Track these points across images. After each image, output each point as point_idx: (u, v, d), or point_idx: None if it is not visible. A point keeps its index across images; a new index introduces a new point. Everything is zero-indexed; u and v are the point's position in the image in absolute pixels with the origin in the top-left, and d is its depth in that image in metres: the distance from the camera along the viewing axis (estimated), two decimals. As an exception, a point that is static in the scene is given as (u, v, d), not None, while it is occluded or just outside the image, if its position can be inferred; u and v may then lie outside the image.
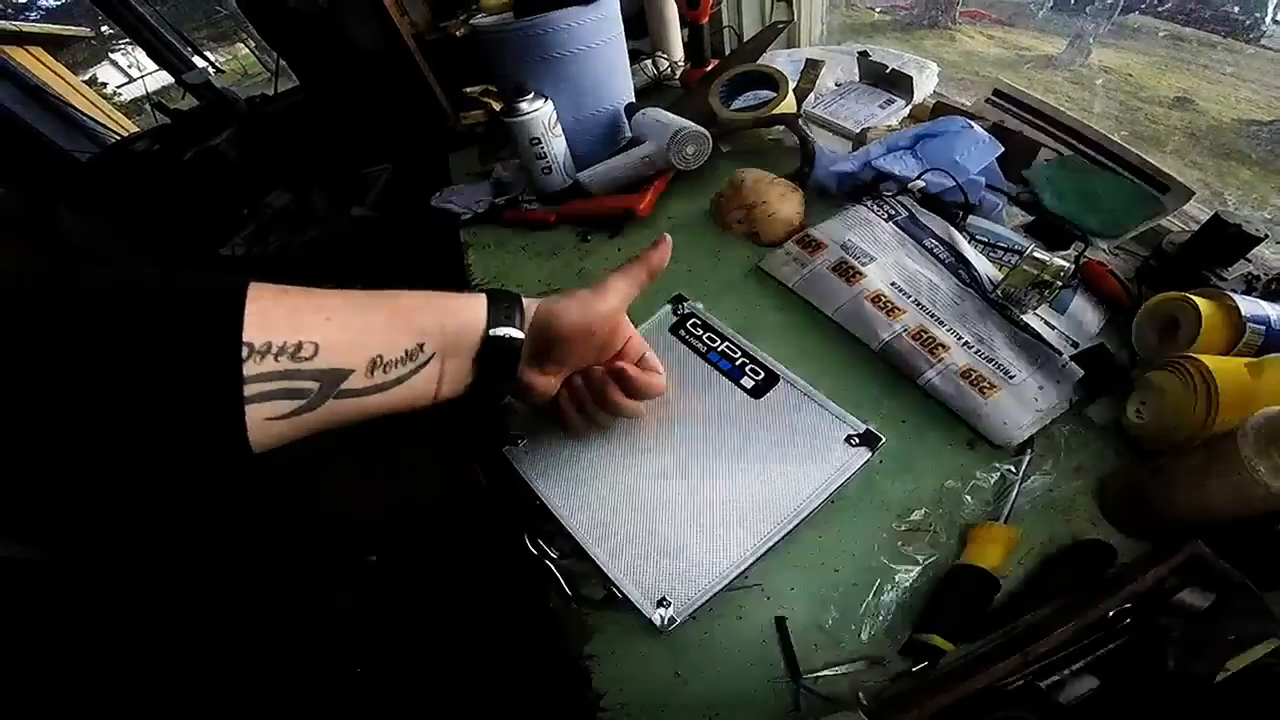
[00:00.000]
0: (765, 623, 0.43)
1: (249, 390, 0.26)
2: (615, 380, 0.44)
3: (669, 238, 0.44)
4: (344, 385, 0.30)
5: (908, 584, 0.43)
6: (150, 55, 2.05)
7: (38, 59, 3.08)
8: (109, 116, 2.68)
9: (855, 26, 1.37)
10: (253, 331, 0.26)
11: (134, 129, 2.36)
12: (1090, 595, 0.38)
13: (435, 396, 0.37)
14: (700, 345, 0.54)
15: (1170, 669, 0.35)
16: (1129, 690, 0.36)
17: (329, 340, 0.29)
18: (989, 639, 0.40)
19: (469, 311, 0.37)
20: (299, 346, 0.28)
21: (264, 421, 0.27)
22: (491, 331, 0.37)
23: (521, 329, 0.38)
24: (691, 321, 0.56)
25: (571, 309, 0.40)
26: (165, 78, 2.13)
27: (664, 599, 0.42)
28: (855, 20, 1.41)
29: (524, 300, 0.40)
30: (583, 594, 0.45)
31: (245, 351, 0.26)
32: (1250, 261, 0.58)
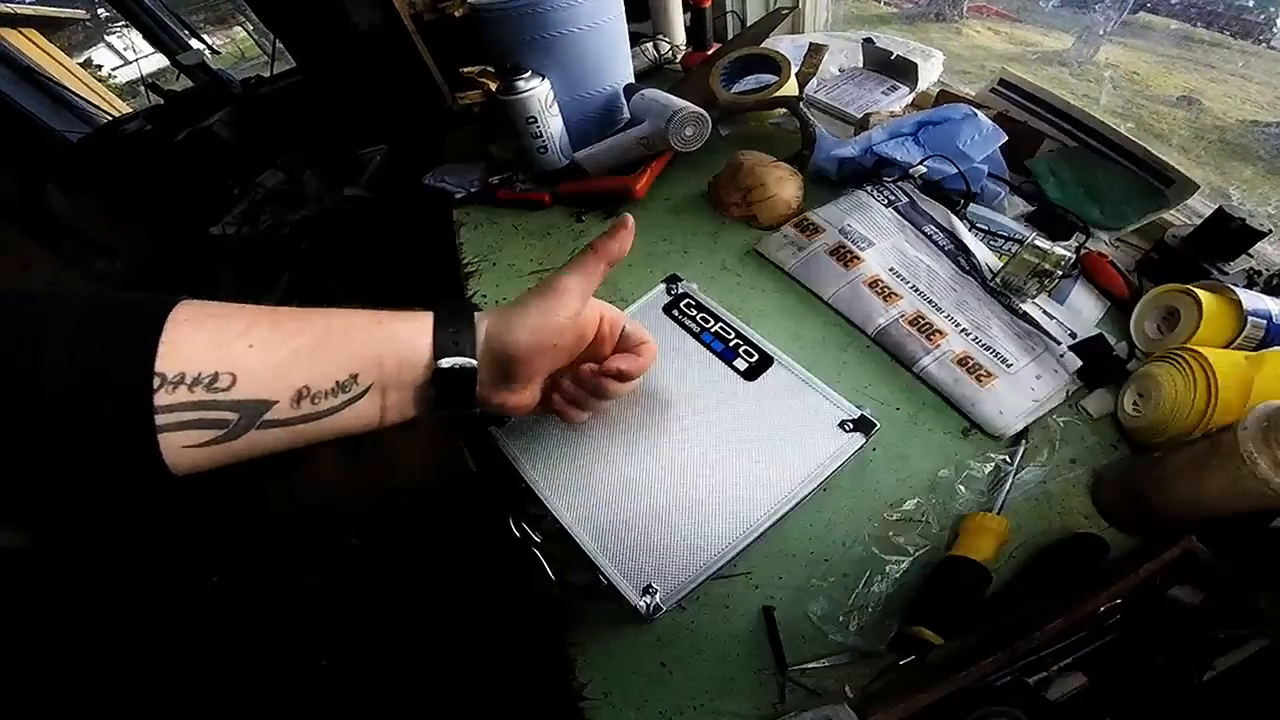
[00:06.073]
0: (753, 612, 0.42)
1: (161, 420, 0.25)
2: (611, 377, 0.41)
3: (630, 220, 0.38)
4: (267, 416, 0.29)
5: (898, 575, 0.42)
6: (146, 38, 2.03)
7: (31, 40, 3.04)
8: (102, 98, 2.65)
9: (861, 17, 1.36)
10: (166, 361, 0.26)
11: (128, 110, 2.33)
12: (1081, 590, 0.38)
13: (381, 423, 0.34)
14: (694, 325, 0.53)
15: (1160, 667, 0.34)
16: (1118, 688, 0.36)
17: (248, 370, 0.28)
18: (978, 633, 0.39)
19: (410, 339, 0.33)
20: (215, 377, 0.27)
21: (182, 449, 0.27)
22: (440, 363, 0.33)
23: (474, 355, 0.35)
24: (685, 301, 0.55)
25: (525, 326, 0.36)
26: (161, 61, 2.10)
27: (650, 586, 0.41)
28: (861, 11, 1.39)
29: (475, 316, 0.36)
30: (567, 580, 0.44)
31: (157, 382, 0.25)
32: (1252, 257, 0.57)
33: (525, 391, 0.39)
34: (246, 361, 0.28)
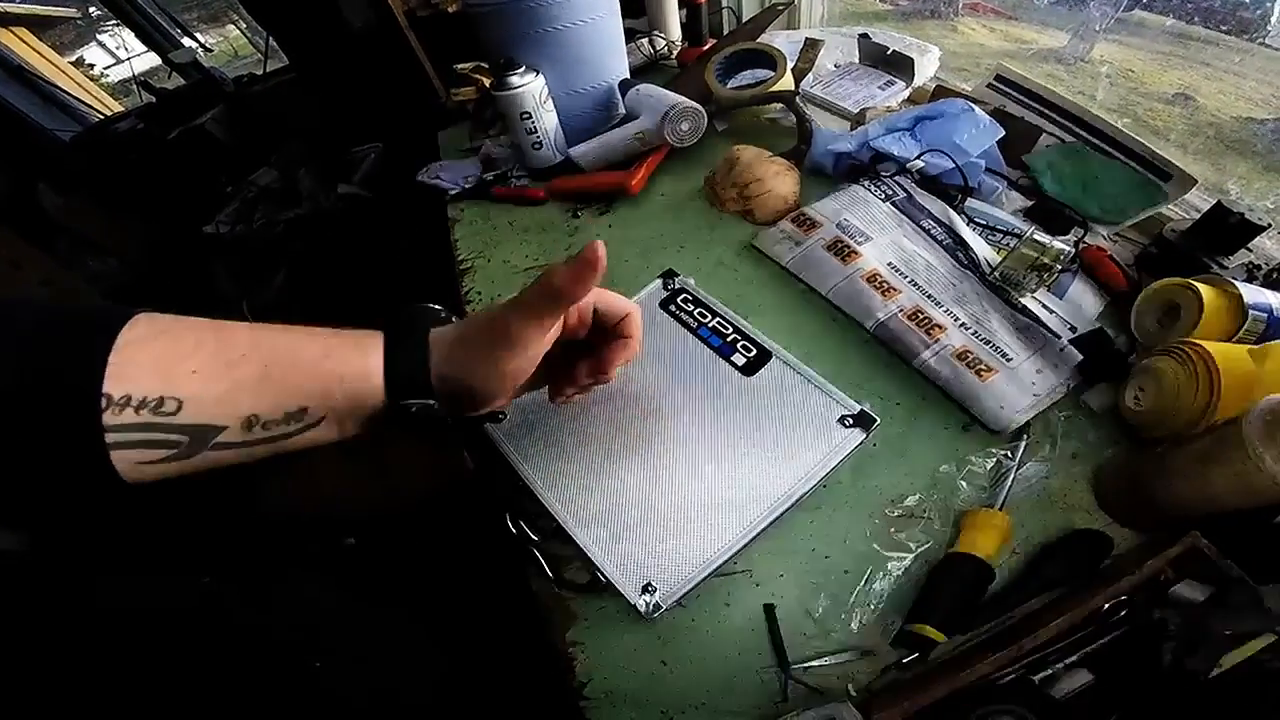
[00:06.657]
0: (754, 610, 0.41)
1: (111, 438, 0.25)
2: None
3: (599, 252, 0.31)
4: (219, 439, 0.28)
5: (900, 572, 0.42)
6: (138, 36, 2.02)
7: (21, 39, 3.01)
8: (94, 97, 2.63)
9: (857, 13, 1.36)
10: (112, 383, 0.25)
11: (120, 109, 2.31)
12: (1085, 587, 0.37)
13: (341, 440, 0.34)
14: (691, 320, 0.52)
15: (1166, 664, 0.34)
16: (1124, 685, 0.35)
17: (194, 396, 0.27)
18: (982, 630, 0.39)
19: (361, 372, 0.32)
20: (160, 401, 0.26)
21: (136, 464, 0.27)
22: (399, 403, 0.33)
23: (430, 394, 0.33)
24: (682, 297, 0.54)
25: (477, 374, 0.34)
26: (153, 59, 2.10)
27: (649, 584, 0.40)
28: (857, 7, 1.39)
29: (431, 337, 0.34)
30: (566, 578, 0.44)
31: (104, 402, 0.25)
32: (1251, 251, 0.57)
33: (497, 403, 0.37)
34: (191, 388, 0.27)
